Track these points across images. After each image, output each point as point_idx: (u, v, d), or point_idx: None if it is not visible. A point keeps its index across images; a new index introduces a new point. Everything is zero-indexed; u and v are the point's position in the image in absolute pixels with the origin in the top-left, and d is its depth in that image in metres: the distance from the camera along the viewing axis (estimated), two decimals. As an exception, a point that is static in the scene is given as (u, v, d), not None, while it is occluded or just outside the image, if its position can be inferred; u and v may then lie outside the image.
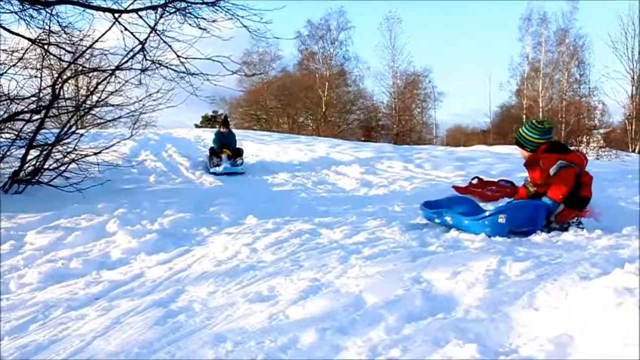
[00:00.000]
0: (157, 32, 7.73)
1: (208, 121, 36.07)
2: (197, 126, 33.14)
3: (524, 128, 4.68)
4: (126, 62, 7.28)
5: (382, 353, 2.21)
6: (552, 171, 4.43)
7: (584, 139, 19.43)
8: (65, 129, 7.36)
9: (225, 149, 10.78)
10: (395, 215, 5.62)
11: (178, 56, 8.07)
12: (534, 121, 4.70)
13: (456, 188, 7.57)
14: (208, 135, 15.29)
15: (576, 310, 2.26)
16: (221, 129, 11.40)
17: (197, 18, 7.93)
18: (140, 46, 7.59)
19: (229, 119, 12.00)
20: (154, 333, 2.71)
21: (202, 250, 4.36)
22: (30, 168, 7.12)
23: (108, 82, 7.41)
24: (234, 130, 12.40)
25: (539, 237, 4.03)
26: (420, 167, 10.44)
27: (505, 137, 29.88)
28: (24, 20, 7.37)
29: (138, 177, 8.73)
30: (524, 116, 32.91)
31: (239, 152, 10.90)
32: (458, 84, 58.14)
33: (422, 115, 38.19)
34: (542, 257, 3.29)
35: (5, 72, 7.49)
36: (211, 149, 10.94)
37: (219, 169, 9.88)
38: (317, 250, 3.95)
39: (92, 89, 7.48)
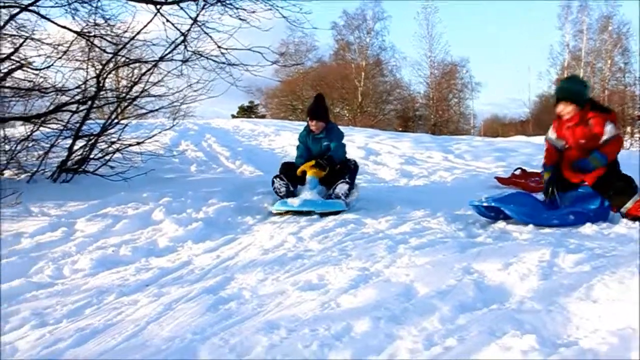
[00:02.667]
0: (199, 23, 7.80)
1: (244, 111, 36.33)
2: (233, 116, 33.42)
3: (570, 82, 4.58)
4: (169, 53, 7.38)
5: (437, 342, 2.20)
6: (606, 134, 4.33)
7: (629, 129, 18.94)
8: (111, 119, 7.50)
9: (321, 162, 5.68)
10: (439, 205, 5.56)
11: (219, 47, 8.14)
12: (575, 76, 4.62)
13: (499, 179, 7.47)
14: (246, 126, 15.37)
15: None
16: (313, 124, 5.90)
17: (237, 9, 7.98)
18: (182, 37, 7.68)
19: (325, 102, 6.19)
20: (206, 319, 2.75)
21: (248, 239, 4.41)
22: (77, 157, 7.27)
23: (151, 74, 7.51)
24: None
25: (589, 229, 3.96)
26: (461, 157, 10.33)
27: (545, 127, 29.26)
28: (70, 13, 7.53)
29: (179, 166, 8.84)
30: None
31: (342, 170, 5.75)
32: (495, 74, 57.18)
33: (459, 106, 37.74)
34: (596, 249, 3.24)
35: (52, 65, 7.66)
36: (284, 166, 5.94)
37: (293, 203, 5.26)
38: (364, 239, 3.96)
39: (135, 80, 7.59)
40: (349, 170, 5.80)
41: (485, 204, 4.39)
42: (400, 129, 28.14)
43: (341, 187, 5.50)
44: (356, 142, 11.69)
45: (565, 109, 4.51)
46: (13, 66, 7.10)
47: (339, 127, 6.23)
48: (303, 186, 5.67)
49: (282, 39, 32.52)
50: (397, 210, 5.15)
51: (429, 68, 36.28)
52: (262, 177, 7.91)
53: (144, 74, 7.53)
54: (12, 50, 7.16)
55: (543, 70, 36.38)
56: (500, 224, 4.31)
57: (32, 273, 3.95)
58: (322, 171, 5.66)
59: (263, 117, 34.58)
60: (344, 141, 6.06)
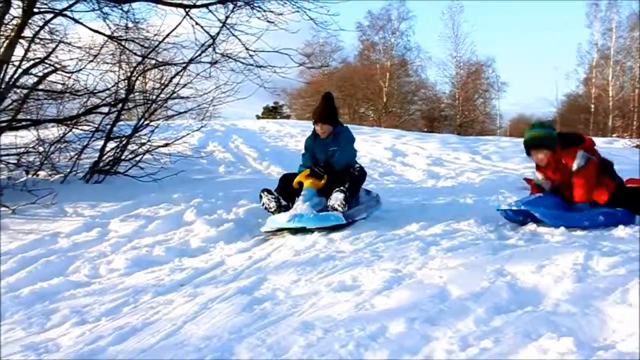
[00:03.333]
0: (227, 25, 7.89)
1: (269, 112, 36.50)
2: (258, 117, 33.60)
3: (536, 130, 4.52)
4: (198, 55, 7.48)
5: (473, 344, 2.22)
6: (574, 166, 4.35)
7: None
8: (141, 121, 7.63)
9: (316, 170, 5.10)
10: (467, 207, 5.57)
11: (247, 49, 8.23)
12: (538, 122, 4.61)
13: (527, 180, 7.41)
14: (272, 127, 15.46)
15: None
16: (318, 127, 5.29)
17: (265, 11, 8.06)
18: (211, 40, 7.78)
19: (334, 102, 5.49)
20: (242, 319, 2.80)
21: (279, 240, 4.46)
22: (109, 159, 7.41)
23: (181, 76, 7.64)
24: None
25: (622, 231, 3.93)
26: (488, 158, 10.28)
27: (573, 127, 28.93)
28: (101, 17, 7.69)
29: (208, 167, 8.94)
30: (592, 106, 31.79)
31: (342, 178, 5.00)
32: (521, 73, 56.59)
33: (484, 106, 37.43)
34: (630, 252, 3.22)
35: (84, 68, 7.82)
36: (283, 179, 5.24)
37: (281, 220, 4.61)
38: (394, 241, 3.98)
39: (166, 82, 7.72)
40: (351, 177, 5.03)
41: (514, 208, 4.35)
42: (425, 130, 28.03)
43: (335, 197, 4.69)
44: (383, 142, 11.71)
45: (539, 156, 4.53)
46: (48, 70, 7.26)
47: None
48: (291, 199, 4.95)
49: (306, 39, 32.63)
50: (426, 212, 5.16)
51: (455, 68, 36.09)
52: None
53: (174, 76, 7.66)
54: (45, 54, 7.32)
55: (570, 70, 35.82)
56: (531, 226, 4.29)
57: (69, 272, 4.06)
58: (319, 180, 4.99)
59: (288, 117, 34.71)
60: (354, 146, 5.42)
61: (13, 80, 6.92)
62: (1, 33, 6.77)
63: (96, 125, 7.74)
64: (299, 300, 2.95)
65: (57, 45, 7.43)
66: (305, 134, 13.03)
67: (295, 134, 13.62)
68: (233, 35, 8.08)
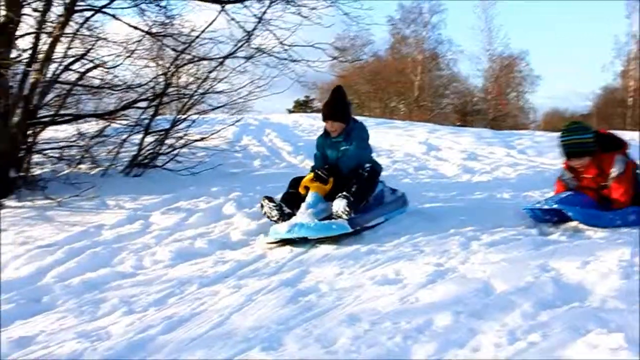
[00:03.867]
0: (263, 21, 7.97)
1: (300, 106, 36.56)
2: (290, 111, 33.70)
3: (579, 136, 4.36)
4: (235, 51, 7.58)
5: (521, 338, 2.24)
6: (613, 172, 4.25)
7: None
8: (179, 115, 7.76)
9: (319, 173, 4.60)
10: (505, 202, 5.55)
11: (282, 43, 8.30)
12: (577, 125, 4.45)
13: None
14: (305, 121, 15.49)
15: None
16: (329, 125, 4.90)
17: (299, 6, 8.12)
18: (247, 35, 7.87)
19: (345, 96, 5.01)
20: (288, 311, 2.86)
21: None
22: (147, 153, 7.55)
23: (219, 71, 7.74)
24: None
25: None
26: (523, 153, 10.16)
27: (609, 121, 28.39)
28: (138, 13, 7.85)
29: (243, 161, 9.02)
30: (630, 99, 31.10)
31: (350, 181, 4.54)
32: (555, 66, 55.57)
33: (517, 99, 36.92)
34: (676, 249, 3.18)
35: (121, 64, 7.98)
36: (293, 183, 4.81)
37: (281, 230, 4.21)
38: (435, 235, 4.00)
39: (203, 77, 7.83)
40: (359, 179, 4.52)
41: (545, 207, 4.28)
42: (458, 124, 27.80)
43: (338, 204, 4.25)
44: (416, 137, 11.65)
45: (578, 162, 4.41)
46: (88, 66, 7.41)
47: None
48: (295, 205, 4.50)
49: (337, 33, 32.58)
50: (464, 207, 5.15)
51: (488, 61, 35.65)
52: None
53: (211, 70, 7.77)
54: (83, 50, 7.47)
55: (607, 62, 35.04)
56: (572, 223, 4.25)
57: (115, 263, 4.17)
58: (324, 184, 4.55)
59: (318, 111, 34.72)
60: (368, 143, 4.96)
61: (55, 76, 7.09)
62: (43, 31, 6.92)
63: (134, 120, 7.89)
64: (343, 293, 3.00)
65: (96, 42, 7.58)
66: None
67: (327, 128, 13.63)
68: (269, 30, 8.17)
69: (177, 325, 2.90)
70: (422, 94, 34.62)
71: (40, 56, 6.76)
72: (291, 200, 4.56)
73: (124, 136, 7.74)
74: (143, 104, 7.90)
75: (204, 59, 8.18)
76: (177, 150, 7.77)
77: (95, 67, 7.26)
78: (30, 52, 6.80)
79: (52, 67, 7.09)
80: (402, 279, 3.11)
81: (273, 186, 6.36)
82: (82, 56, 7.42)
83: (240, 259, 3.98)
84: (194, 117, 8.08)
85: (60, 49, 7.11)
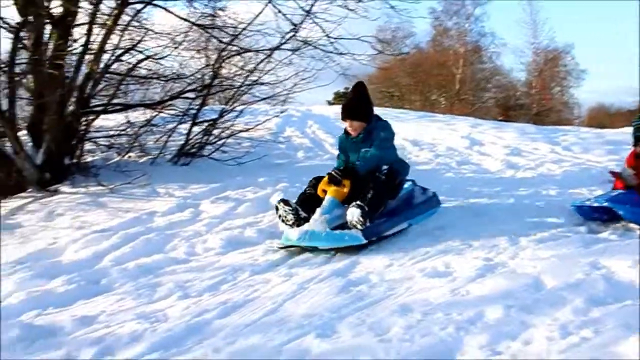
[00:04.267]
0: (310, 14, 8.03)
1: (340, 98, 36.53)
2: (330, 103, 33.75)
3: None
4: (283, 43, 7.68)
5: (573, 332, 2.28)
6: None
7: None
8: (227, 106, 7.91)
9: (334, 174, 4.28)
10: (552, 199, 5.50)
11: (328, 36, 8.36)
12: None
13: (613, 173, 7.20)
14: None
15: None
16: (348, 125, 4.58)
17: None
18: (293, 28, 7.96)
19: (367, 92, 4.66)
20: (340, 300, 2.95)
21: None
22: (195, 142, 7.72)
23: (267, 63, 7.86)
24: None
25: None
26: (568, 149, 9.99)
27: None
28: (186, 5, 8.01)
29: (287, 152, 9.11)
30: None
31: (367, 185, 4.20)
32: (602, 61, 54.08)
33: (562, 94, 36.16)
34: None
35: (169, 55, 8.16)
36: (313, 181, 4.55)
37: (292, 236, 4.00)
38: (483, 230, 4.03)
39: (251, 69, 7.96)
40: (375, 184, 4.17)
41: (595, 204, 4.25)
42: (500, 118, 27.45)
43: (352, 213, 3.91)
44: (459, 131, 11.58)
45: None
46: (139, 57, 7.60)
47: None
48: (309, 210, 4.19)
49: (378, 25, 32.45)
50: (511, 203, 5.14)
51: (532, 55, 35.00)
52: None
53: (260, 62, 7.88)
54: (130, 41, 7.66)
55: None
56: (622, 221, 4.22)
57: (168, 249, 4.32)
58: (341, 188, 4.22)
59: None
60: (392, 144, 4.59)
61: (107, 67, 7.30)
62: (96, 22, 7.12)
63: (181, 110, 8.06)
64: (393, 284, 3.07)
65: (145, 34, 7.76)
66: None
67: (369, 121, 13.64)
68: (315, 23, 8.24)
69: (232, 311, 3.02)
70: (464, 87, 34.21)
71: (93, 48, 6.96)
72: (308, 203, 4.25)
73: (172, 126, 7.92)
74: (190, 95, 8.08)
75: (250, 50, 8.29)
76: (224, 140, 7.91)
77: (146, 58, 7.44)
78: (83, 43, 7.01)
79: (103, 58, 7.31)
80: (451, 272, 3.17)
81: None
82: (131, 48, 7.61)
83: (290, 249, 4.07)
84: (240, 108, 8.20)
85: (110, 40, 7.31)
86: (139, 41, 7.63)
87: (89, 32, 6.95)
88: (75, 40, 7.18)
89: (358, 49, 8.94)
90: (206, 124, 7.85)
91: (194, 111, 7.97)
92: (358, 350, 2.33)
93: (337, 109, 17.14)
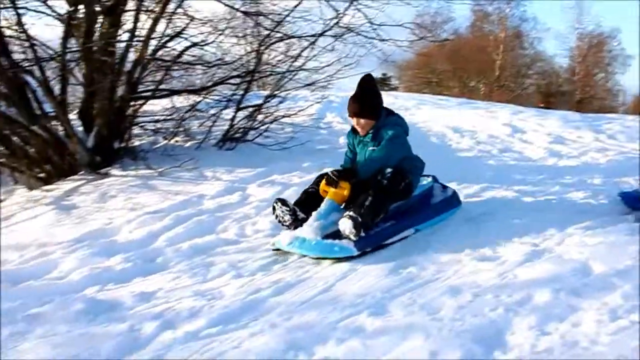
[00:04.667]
0: (354, 1, 8.09)
1: (378, 84, 36.41)
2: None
3: None
4: (327, 30, 7.77)
5: (622, 316, 2.34)
6: None
7: None
8: (271, 91, 8.05)
9: (330, 175, 3.98)
10: (597, 188, 5.47)
11: (371, 23, 8.39)
12: None
13: (660, 162, 7.10)
14: (385, 99, 15.45)
15: None
16: (355, 122, 4.16)
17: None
18: (338, 14, 8.03)
19: (375, 86, 4.23)
20: (390, 281, 3.06)
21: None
22: (239, 127, 7.87)
23: (312, 49, 7.97)
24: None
25: None
26: (613, 138, 9.83)
27: None
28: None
29: (328, 138, 9.18)
30: None
31: (367, 189, 3.83)
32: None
33: (606, 80, 35.31)
34: None
35: (214, 41, 8.31)
36: (318, 177, 4.24)
37: (283, 240, 3.82)
38: (529, 216, 4.07)
39: (295, 55, 8.07)
40: (375, 189, 3.78)
41: None
42: (542, 105, 27.02)
43: (344, 224, 3.59)
44: (499, 118, 11.48)
45: None
46: (185, 44, 7.79)
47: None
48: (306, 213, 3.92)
49: (417, 10, 32.12)
50: (555, 190, 5.15)
51: (577, 40, 34.23)
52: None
53: (305, 48, 7.99)
54: (177, 30, 7.83)
55: None
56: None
57: (219, 230, 4.48)
58: (341, 190, 3.87)
59: (395, 89, 34.51)
60: (401, 142, 4.12)
61: (154, 53, 7.49)
62: (144, 10, 7.30)
63: (226, 96, 8.21)
64: (442, 267, 3.16)
65: (191, 20, 7.92)
66: (420, 107, 13.00)
67: (409, 107, 13.57)
68: (358, 10, 8.28)
69: (285, 290, 3.16)
70: (503, 74, 33.75)
71: (139, 34, 7.16)
72: (310, 202, 3.97)
73: (216, 111, 8.08)
74: (234, 80, 8.23)
75: (293, 36, 8.39)
76: (267, 125, 8.05)
77: (193, 45, 7.61)
78: (130, 30, 7.21)
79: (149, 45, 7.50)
80: (499, 256, 3.23)
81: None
82: (177, 34, 7.79)
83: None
84: (283, 93, 8.32)
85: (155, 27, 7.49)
86: (184, 28, 7.80)
87: (136, 20, 7.15)
88: (122, 28, 7.39)
89: (397, 34, 8.95)
90: (250, 109, 7.99)
91: (237, 97, 8.12)
92: (411, 328, 2.44)
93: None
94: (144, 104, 7.81)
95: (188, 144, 7.93)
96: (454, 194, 4.51)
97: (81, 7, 6.84)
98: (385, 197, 3.79)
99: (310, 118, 9.86)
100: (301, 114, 8.65)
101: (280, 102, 8.14)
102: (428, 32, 12.14)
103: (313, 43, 7.92)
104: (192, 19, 7.93)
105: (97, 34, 7.06)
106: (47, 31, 7.30)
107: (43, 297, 3.41)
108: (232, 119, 7.86)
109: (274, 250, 3.91)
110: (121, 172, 6.59)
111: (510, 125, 10.78)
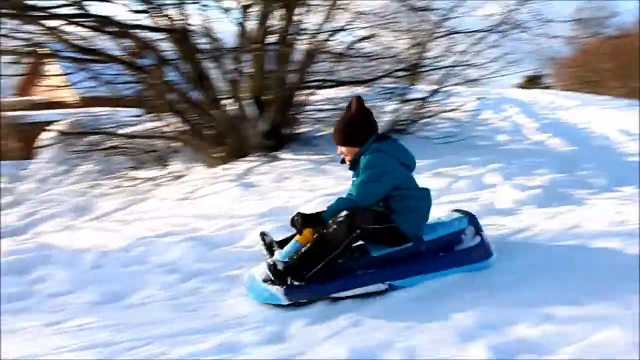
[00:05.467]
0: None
1: (529, 81, 34.94)
2: (520, 87, 32.45)
3: None
4: (497, 25, 7.77)
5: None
6: None
7: None
8: (441, 86, 8.18)
9: (294, 218, 3.36)
10: None
11: (539, 20, 8.26)
12: None
13: None
14: (543, 97, 14.97)
15: None
16: (338, 150, 3.50)
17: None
18: (507, 12, 7.99)
19: (363, 109, 3.45)
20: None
21: (587, 211, 4.46)
22: (405, 120, 8.08)
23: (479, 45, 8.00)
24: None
25: None
26: None
27: None
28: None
29: (487, 135, 9.13)
30: None
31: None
32: None
33: None
34: None
35: (377, 34, 8.58)
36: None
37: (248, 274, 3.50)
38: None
39: (461, 51, 8.15)
40: (318, 237, 3.22)
41: None
42: None
43: (262, 270, 3.31)
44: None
45: None
46: (350, 37, 8.15)
47: (383, 145, 3.41)
48: None
49: (577, 4, 30.46)
50: None
51: None
52: (576, 151, 7.73)
53: (475, 43, 8.02)
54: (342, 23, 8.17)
55: None
56: None
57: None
58: (299, 234, 3.32)
59: (547, 88, 32.94)
60: (379, 176, 3.29)
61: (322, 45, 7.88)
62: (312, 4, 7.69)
63: (390, 89, 8.45)
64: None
65: (359, 15, 8.25)
66: (581, 108, 12.33)
67: (570, 107, 12.98)
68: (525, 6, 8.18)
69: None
70: (675, 74, 30.93)
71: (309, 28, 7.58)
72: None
73: (381, 102, 8.33)
74: (398, 74, 8.45)
75: (459, 32, 8.43)
76: (430, 118, 8.18)
77: (364, 38, 7.93)
78: (300, 23, 7.64)
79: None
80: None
81: (529, 161, 6.47)
82: (342, 28, 8.15)
83: (513, 226, 4.17)
84: (448, 88, 8.41)
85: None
86: (350, 22, 8.15)
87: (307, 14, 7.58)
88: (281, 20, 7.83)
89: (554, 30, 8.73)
90: (415, 102, 8.17)
91: (400, 90, 8.33)
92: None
93: (532, 93, 16.60)
94: (311, 93, 8.25)
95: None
96: (482, 244, 3.48)
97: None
98: (324, 247, 3.18)
99: (465, 114, 9.86)
100: (462, 110, 8.68)
101: (449, 96, 8.23)
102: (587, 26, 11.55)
103: (482, 39, 7.94)
104: (360, 13, 8.27)
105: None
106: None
107: (237, 262, 3.85)
108: (397, 112, 8.07)
109: None
110: (293, 156, 7.03)
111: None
